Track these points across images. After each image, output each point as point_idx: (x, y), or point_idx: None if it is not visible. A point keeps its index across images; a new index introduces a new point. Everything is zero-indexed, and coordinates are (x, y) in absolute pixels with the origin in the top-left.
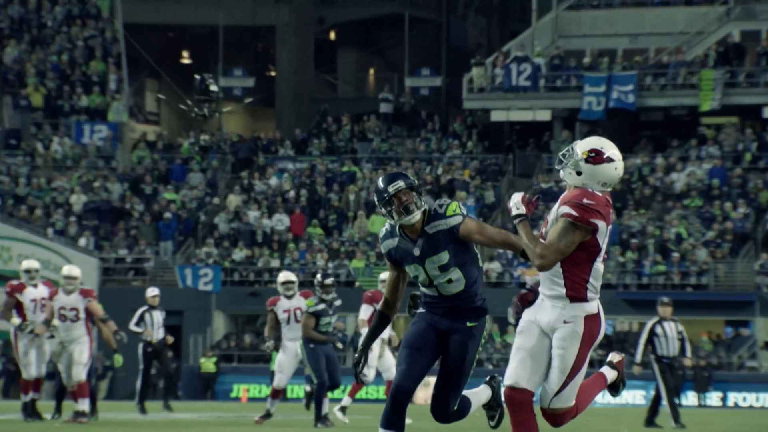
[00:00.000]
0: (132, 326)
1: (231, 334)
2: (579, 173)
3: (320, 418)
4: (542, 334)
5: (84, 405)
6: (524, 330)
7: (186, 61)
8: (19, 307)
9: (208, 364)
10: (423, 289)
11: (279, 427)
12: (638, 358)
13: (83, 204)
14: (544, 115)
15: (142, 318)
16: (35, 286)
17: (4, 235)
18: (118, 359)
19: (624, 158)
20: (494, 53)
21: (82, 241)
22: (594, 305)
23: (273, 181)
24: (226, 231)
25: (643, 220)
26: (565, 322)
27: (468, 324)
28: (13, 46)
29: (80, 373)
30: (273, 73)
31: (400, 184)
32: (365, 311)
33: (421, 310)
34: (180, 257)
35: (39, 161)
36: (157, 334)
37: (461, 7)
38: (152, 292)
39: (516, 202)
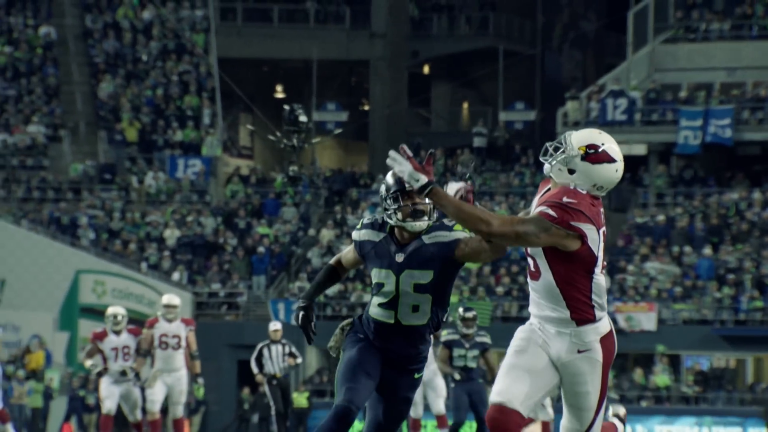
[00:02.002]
0: (252, 362)
1: (323, 369)
2: (571, 171)
3: None
4: (550, 363)
5: None
6: (524, 350)
7: (280, 95)
8: (101, 355)
9: (300, 399)
10: (375, 309)
11: None
12: None
13: (177, 238)
14: (640, 149)
15: (261, 352)
16: (118, 333)
17: (98, 270)
18: (200, 390)
19: (720, 192)
20: (589, 87)
21: (176, 276)
22: (605, 323)
23: (366, 215)
24: (318, 265)
25: (740, 256)
26: (579, 351)
27: (416, 376)
28: (108, 80)
29: (178, 412)
30: (366, 107)
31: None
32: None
33: (358, 335)
34: (273, 292)
35: (133, 195)
36: (277, 368)
37: (556, 41)
38: (274, 326)
39: (409, 173)
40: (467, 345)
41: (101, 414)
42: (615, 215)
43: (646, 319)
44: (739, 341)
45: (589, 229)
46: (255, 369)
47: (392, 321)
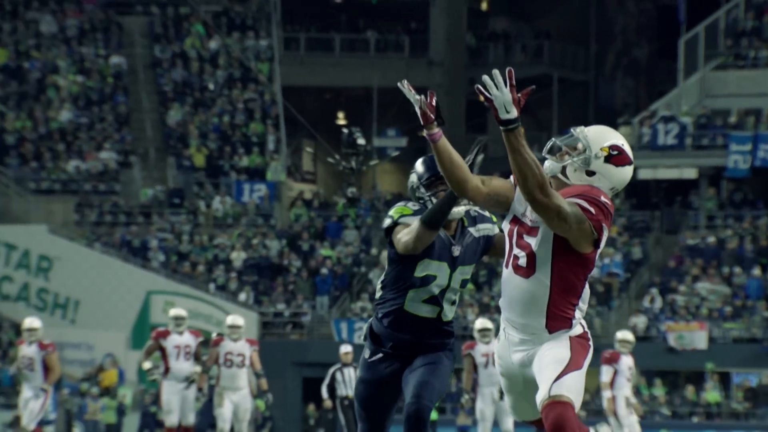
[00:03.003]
0: (323, 388)
1: None
2: (590, 173)
3: None
4: (522, 374)
5: None
6: (504, 374)
7: (341, 122)
8: (162, 353)
9: None
10: (414, 305)
11: None
12: None
13: (243, 260)
14: (691, 173)
15: (334, 377)
16: (180, 333)
17: (168, 291)
18: (261, 405)
19: None
20: (641, 113)
21: (242, 296)
22: (579, 328)
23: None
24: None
25: None
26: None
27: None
28: (176, 108)
29: (244, 429)
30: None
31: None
32: (606, 373)
33: (375, 357)
34: (336, 311)
35: (201, 219)
36: (350, 390)
37: (609, 68)
38: (345, 348)
39: (506, 101)
40: None
41: (165, 427)
42: (667, 237)
43: (698, 338)
44: None
45: (606, 235)
46: (325, 395)
47: (434, 316)
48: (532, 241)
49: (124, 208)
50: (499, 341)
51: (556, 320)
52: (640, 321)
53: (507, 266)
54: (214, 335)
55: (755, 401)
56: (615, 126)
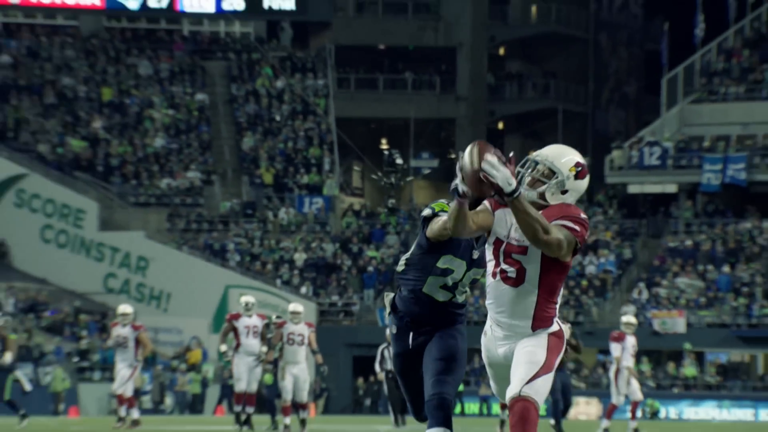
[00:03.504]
0: (376, 365)
1: None
2: (564, 192)
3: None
4: (506, 365)
5: (297, 416)
6: (490, 365)
7: (384, 146)
8: (235, 332)
9: None
10: (431, 288)
11: None
12: None
13: (304, 260)
14: (671, 188)
15: (382, 354)
16: (249, 316)
17: (242, 285)
18: (269, 378)
19: (737, 222)
20: (630, 138)
21: (303, 290)
22: (556, 326)
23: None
24: None
25: (752, 272)
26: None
27: (456, 325)
28: (249, 136)
29: (304, 397)
30: (453, 156)
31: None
32: (616, 349)
33: (398, 329)
34: (379, 302)
35: (269, 227)
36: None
37: (604, 102)
38: (389, 330)
39: (506, 178)
40: None
41: (235, 392)
42: (652, 240)
43: (678, 323)
44: (752, 340)
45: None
46: (378, 369)
47: (448, 300)
48: (522, 259)
49: (207, 218)
50: (485, 336)
51: (541, 321)
52: (630, 310)
53: (494, 277)
54: (273, 317)
55: (725, 375)
56: (609, 149)
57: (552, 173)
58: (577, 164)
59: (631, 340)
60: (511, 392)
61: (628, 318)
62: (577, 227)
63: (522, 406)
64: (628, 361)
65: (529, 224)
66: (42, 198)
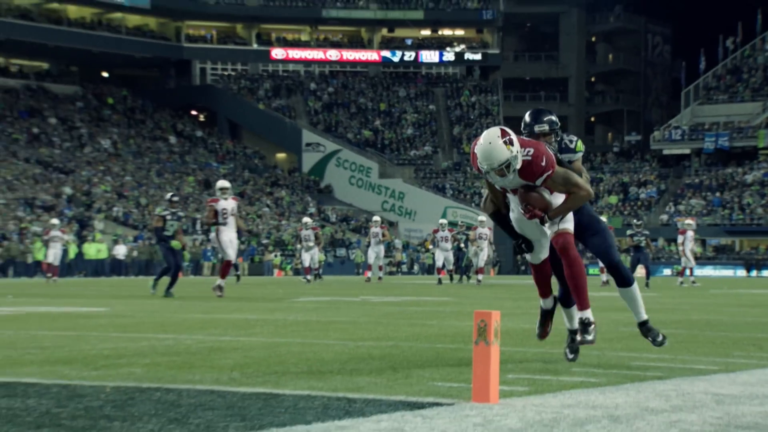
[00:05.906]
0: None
1: None
2: (515, 167)
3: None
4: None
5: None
6: (522, 229)
7: None
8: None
9: None
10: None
11: None
12: None
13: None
14: (686, 151)
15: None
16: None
17: (454, 206)
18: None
19: (723, 169)
20: (664, 124)
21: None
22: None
23: None
24: None
25: (732, 196)
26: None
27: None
28: (457, 127)
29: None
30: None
31: (545, 127)
32: (680, 238)
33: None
34: None
35: (468, 175)
36: None
37: (650, 105)
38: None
39: (537, 217)
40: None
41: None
42: (676, 179)
43: (691, 224)
44: (733, 233)
45: None
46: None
47: None
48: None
49: (435, 171)
50: (513, 212)
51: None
52: (688, 219)
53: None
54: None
55: (717, 252)
56: (652, 130)
57: (507, 166)
58: (504, 142)
59: (690, 235)
60: (551, 231)
61: (688, 221)
62: (553, 167)
63: (564, 239)
64: (691, 244)
65: (569, 209)
66: (349, 161)
